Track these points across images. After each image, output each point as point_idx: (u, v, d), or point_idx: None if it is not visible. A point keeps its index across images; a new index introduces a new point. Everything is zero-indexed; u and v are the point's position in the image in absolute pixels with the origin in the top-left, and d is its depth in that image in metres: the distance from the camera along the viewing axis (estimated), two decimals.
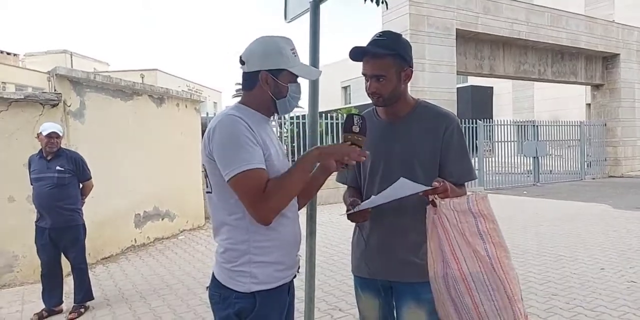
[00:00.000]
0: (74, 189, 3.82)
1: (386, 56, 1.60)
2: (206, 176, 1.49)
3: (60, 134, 3.75)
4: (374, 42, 1.61)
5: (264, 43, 1.50)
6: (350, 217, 1.63)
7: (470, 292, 1.49)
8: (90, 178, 3.96)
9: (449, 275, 1.51)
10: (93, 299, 3.92)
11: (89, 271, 3.97)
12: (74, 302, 3.80)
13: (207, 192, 1.52)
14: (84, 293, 3.83)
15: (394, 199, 1.52)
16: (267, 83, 1.48)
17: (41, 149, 3.77)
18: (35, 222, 3.78)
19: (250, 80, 1.51)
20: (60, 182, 3.69)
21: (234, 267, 1.43)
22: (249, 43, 1.53)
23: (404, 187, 1.48)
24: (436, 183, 1.47)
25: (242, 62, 1.51)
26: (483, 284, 1.48)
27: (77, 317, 3.67)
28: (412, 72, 1.68)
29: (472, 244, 1.49)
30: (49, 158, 3.73)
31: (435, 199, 1.48)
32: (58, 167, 3.69)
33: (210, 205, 1.52)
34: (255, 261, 1.43)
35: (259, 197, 1.35)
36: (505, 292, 1.48)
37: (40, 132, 3.70)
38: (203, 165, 1.49)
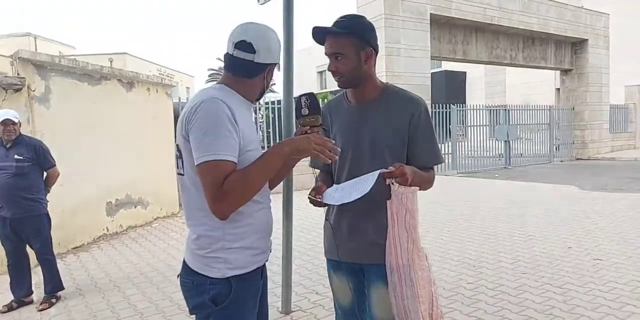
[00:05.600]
0: (35, 177, 3.66)
1: (344, 35, 1.62)
2: (179, 157, 1.44)
3: (16, 121, 3.57)
4: (334, 24, 1.65)
5: (273, 36, 1.51)
6: (312, 202, 1.65)
7: (400, 282, 1.55)
8: (54, 166, 3.79)
9: (391, 263, 1.56)
10: (63, 289, 3.82)
11: (60, 261, 3.87)
12: (44, 293, 3.71)
13: (179, 174, 1.47)
14: (53, 283, 3.73)
15: (354, 199, 1.51)
16: (270, 76, 1.53)
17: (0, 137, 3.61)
18: None
19: (254, 70, 1.47)
20: (19, 171, 3.54)
21: (208, 253, 1.41)
22: (254, 29, 1.47)
23: (364, 180, 1.52)
24: (392, 167, 1.50)
25: (251, 50, 1.44)
26: (408, 277, 1.54)
27: (48, 308, 3.58)
28: (373, 53, 1.67)
29: (402, 236, 1.54)
30: (7, 146, 3.57)
31: (392, 183, 1.51)
32: (16, 156, 3.54)
33: (182, 188, 1.48)
34: (229, 247, 1.41)
35: (218, 190, 1.29)
36: (413, 291, 1.53)
37: None
38: (177, 145, 1.44)
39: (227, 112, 1.34)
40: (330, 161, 1.43)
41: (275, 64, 1.53)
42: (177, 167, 1.47)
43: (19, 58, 4.76)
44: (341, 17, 1.66)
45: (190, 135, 1.34)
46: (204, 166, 1.31)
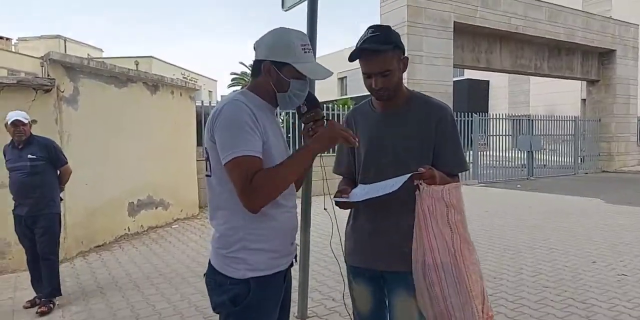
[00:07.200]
0: (49, 176, 3.72)
1: (388, 51, 1.59)
2: (207, 159, 1.50)
3: (25, 122, 3.63)
4: (371, 39, 1.58)
5: (275, 34, 1.50)
6: (338, 204, 1.65)
7: (440, 282, 1.52)
8: (66, 163, 3.84)
9: (425, 263, 1.54)
10: (61, 295, 3.72)
11: (83, 259, 3.90)
12: (43, 296, 3.63)
13: (207, 175, 1.52)
14: (51, 287, 3.63)
15: (381, 194, 1.51)
16: (270, 74, 1.48)
17: (12, 139, 3.68)
18: (13, 210, 3.71)
19: (256, 68, 1.53)
20: (34, 170, 3.60)
21: (229, 253, 1.44)
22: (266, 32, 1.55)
23: (392, 183, 1.51)
24: (422, 168, 1.50)
25: (254, 49, 1.54)
26: (450, 275, 1.50)
27: (47, 312, 3.48)
28: (407, 59, 1.69)
29: (443, 233, 1.52)
30: (20, 146, 3.65)
31: (420, 184, 1.51)
32: (30, 155, 3.60)
33: (208, 189, 1.52)
34: (249, 248, 1.43)
35: (248, 184, 1.34)
36: (465, 286, 1.49)
37: (7, 122, 3.59)
38: (205, 149, 1.50)
39: (248, 112, 1.40)
40: (357, 145, 1.50)
41: (282, 63, 1.45)
42: (206, 169, 1.52)
43: (49, 59, 4.90)
44: (373, 31, 1.60)
45: (215, 137, 1.41)
46: (231, 163, 1.36)
